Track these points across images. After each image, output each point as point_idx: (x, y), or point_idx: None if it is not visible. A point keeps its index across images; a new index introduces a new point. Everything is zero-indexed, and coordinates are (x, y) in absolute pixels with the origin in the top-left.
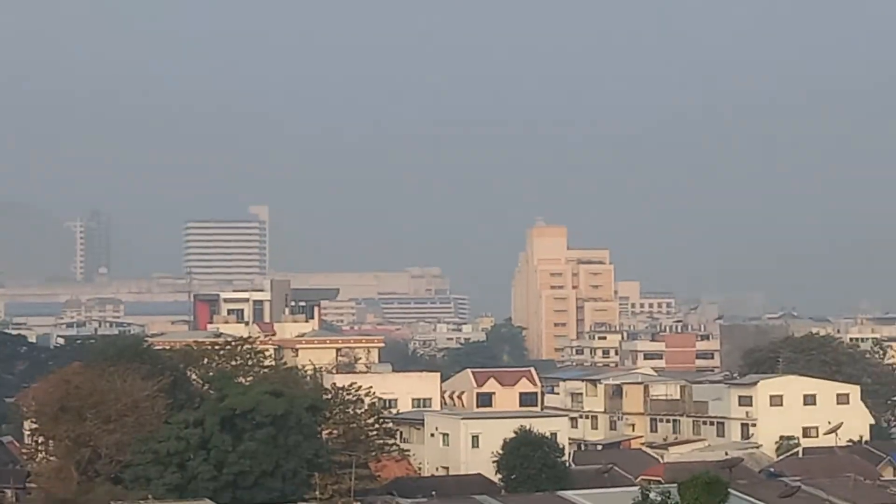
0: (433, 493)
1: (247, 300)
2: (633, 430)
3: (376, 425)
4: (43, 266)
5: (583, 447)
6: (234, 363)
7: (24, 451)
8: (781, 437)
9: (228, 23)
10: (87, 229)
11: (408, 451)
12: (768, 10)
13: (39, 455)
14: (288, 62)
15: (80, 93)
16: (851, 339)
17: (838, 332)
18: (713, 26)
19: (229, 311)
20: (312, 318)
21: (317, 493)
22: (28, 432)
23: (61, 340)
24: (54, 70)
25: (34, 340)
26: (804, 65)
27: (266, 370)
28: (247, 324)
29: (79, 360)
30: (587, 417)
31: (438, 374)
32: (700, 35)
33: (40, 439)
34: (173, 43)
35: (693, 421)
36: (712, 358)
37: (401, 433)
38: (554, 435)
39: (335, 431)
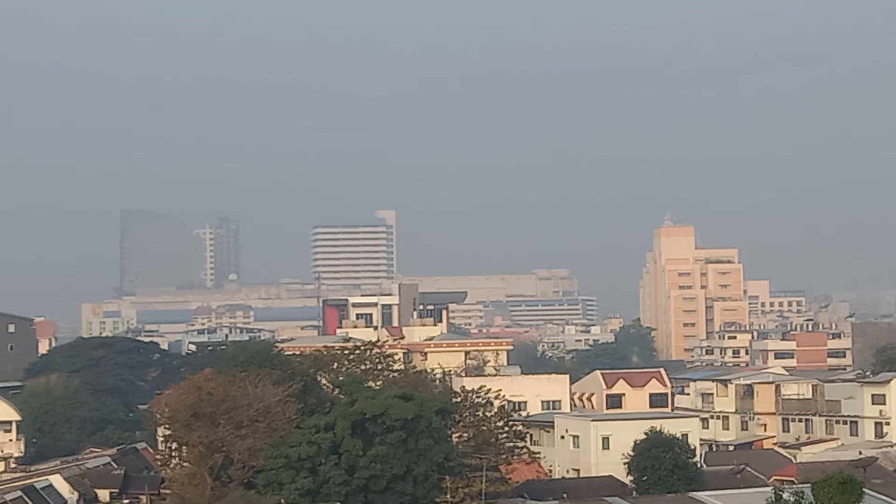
0: (564, 495)
1: (375, 304)
2: (765, 429)
3: (506, 428)
4: (173, 273)
5: (714, 448)
6: (363, 367)
7: (157, 457)
8: None
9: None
10: (216, 236)
11: (538, 453)
12: None
13: (173, 461)
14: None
15: (208, 101)
16: None
17: None
18: None
19: (358, 316)
20: (441, 321)
21: (448, 496)
22: (161, 438)
23: (193, 347)
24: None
25: (166, 347)
26: None
27: (395, 374)
28: (376, 328)
29: (210, 367)
30: (718, 418)
31: (567, 377)
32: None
33: (174, 445)
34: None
35: (826, 420)
36: (844, 356)
37: (531, 436)
38: (685, 436)
39: (465, 435)
